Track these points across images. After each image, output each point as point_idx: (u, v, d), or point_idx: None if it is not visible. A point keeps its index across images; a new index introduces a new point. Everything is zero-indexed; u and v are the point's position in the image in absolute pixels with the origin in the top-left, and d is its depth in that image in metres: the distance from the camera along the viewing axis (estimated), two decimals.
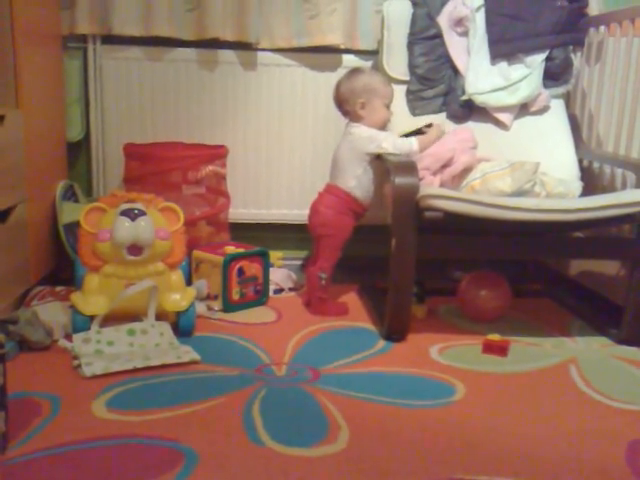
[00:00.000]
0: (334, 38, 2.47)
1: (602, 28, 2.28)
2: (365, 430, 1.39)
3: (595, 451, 1.35)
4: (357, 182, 2.12)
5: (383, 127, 2.17)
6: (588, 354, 1.86)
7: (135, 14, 2.39)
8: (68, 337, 1.76)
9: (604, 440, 1.39)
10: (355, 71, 2.20)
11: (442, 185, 2.06)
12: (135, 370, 1.61)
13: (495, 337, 1.85)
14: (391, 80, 2.27)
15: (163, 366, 1.64)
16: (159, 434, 1.34)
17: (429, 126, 2.17)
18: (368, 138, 2.10)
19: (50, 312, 1.86)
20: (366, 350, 1.83)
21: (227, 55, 2.50)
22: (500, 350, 1.82)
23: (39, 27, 2.14)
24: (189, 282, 2.05)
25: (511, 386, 1.64)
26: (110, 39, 2.44)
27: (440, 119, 2.28)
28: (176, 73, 2.49)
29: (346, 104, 2.17)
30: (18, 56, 1.93)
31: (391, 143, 2.07)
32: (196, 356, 1.70)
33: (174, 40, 2.44)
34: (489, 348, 1.83)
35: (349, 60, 2.51)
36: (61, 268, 2.25)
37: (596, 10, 2.42)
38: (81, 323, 1.77)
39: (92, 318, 1.77)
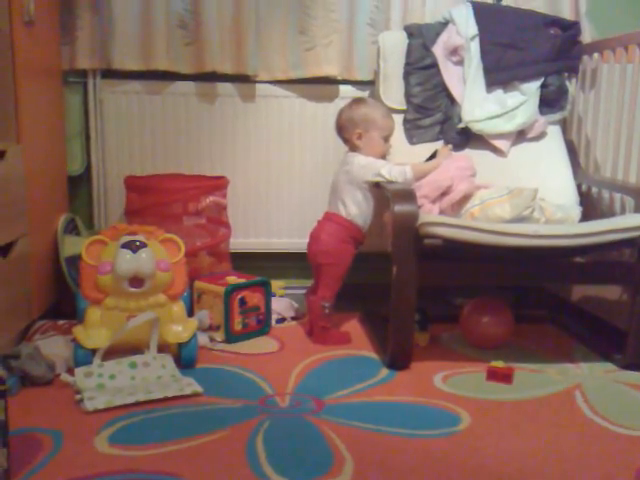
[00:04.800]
0: (331, 69, 2.50)
1: (596, 55, 2.31)
2: (370, 461, 1.37)
3: (602, 478, 1.33)
4: (358, 210, 2.13)
5: (379, 158, 2.18)
6: (593, 380, 1.85)
7: (134, 49, 2.42)
8: (70, 371, 1.74)
9: (612, 467, 1.38)
10: (358, 101, 2.23)
11: (441, 213, 2.07)
12: (137, 404, 1.60)
13: (499, 364, 1.84)
14: (388, 109, 2.30)
15: (165, 399, 1.63)
16: (162, 469, 1.32)
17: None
18: (366, 166, 2.12)
19: (52, 346, 1.85)
20: (369, 379, 1.82)
21: (226, 88, 2.53)
22: (504, 377, 1.81)
23: (40, 62, 2.16)
24: (191, 313, 2.04)
25: (516, 414, 1.63)
26: (110, 73, 2.47)
27: (438, 147, 2.29)
28: (175, 106, 2.52)
29: (345, 132, 2.20)
30: (19, 91, 1.95)
31: (387, 170, 2.09)
32: (198, 388, 1.69)
33: (173, 74, 2.47)
34: (493, 375, 1.82)
35: (346, 91, 2.54)
36: (63, 301, 2.25)
37: (589, 38, 2.46)
38: (83, 357, 1.76)
39: (94, 351, 1.77)
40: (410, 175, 2.08)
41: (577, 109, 2.41)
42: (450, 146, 2.25)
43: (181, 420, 1.55)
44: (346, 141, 2.22)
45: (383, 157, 2.19)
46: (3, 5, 1.85)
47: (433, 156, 2.20)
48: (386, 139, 2.19)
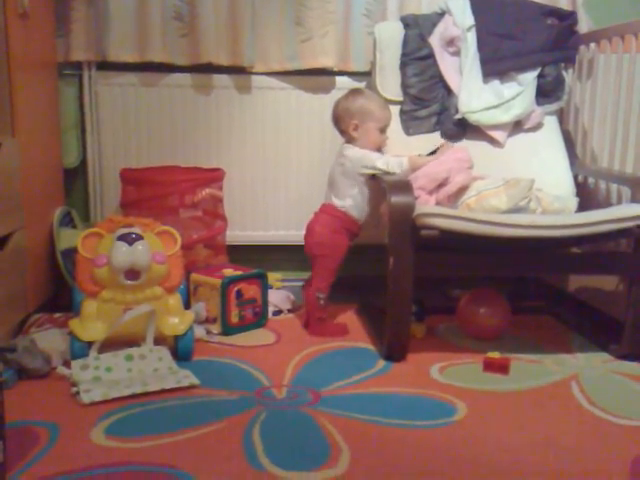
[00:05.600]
0: (327, 61, 2.49)
1: (592, 45, 2.30)
2: (367, 452, 1.38)
3: (599, 468, 1.34)
4: (353, 201, 2.13)
5: (377, 150, 2.17)
6: (589, 370, 1.85)
7: (129, 40, 2.41)
8: (67, 364, 1.74)
9: (607, 456, 1.38)
10: (354, 92, 2.22)
11: (438, 204, 2.07)
12: (134, 396, 1.60)
13: (495, 355, 1.84)
14: (384, 100, 2.29)
15: (162, 391, 1.63)
16: (159, 461, 1.32)
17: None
18: (361, 159, 2.11)
19: (48, 339, 1.85)
20: (366, 371, 1.83)
21: (222, 79, 2.52)
22: (501, 368, 1.81)
23: (34, 55, 2.15)
24: (187, 305, 2.04)
25: (513, 404, 1.63)
26: (105, 65, 2.46)
27: (435, 138, 2.29)
28: (171, 98, 2.51)
29: (341, 123, 2.19)
30: (14, 84, 1.94)
31: (384, 162, 2.08)
32: (195, 380, 1.69)
33: (169, 65, 2.46)
34: (490, 366, 1.82)
35: (342, 82, 2.54)
36: (59, 294, 2.24)
37: (586, 28, 2.46)
38: (79, 349, 1.76)
39: (90, 344, 1.76)
40: (407, 166, 2.07)
41: (574, 99, 2.40)
42: (451, 144, 2.23)
43: (178, 412, 1.55)
44: (342, 132, 2.21)
45: (379, 149, 2.18)
46: None
47: (435, 152, 2.17)
48: (382, 130, 2.18)
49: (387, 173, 2.06)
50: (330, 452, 1.37)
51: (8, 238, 1.87)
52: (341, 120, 2.19)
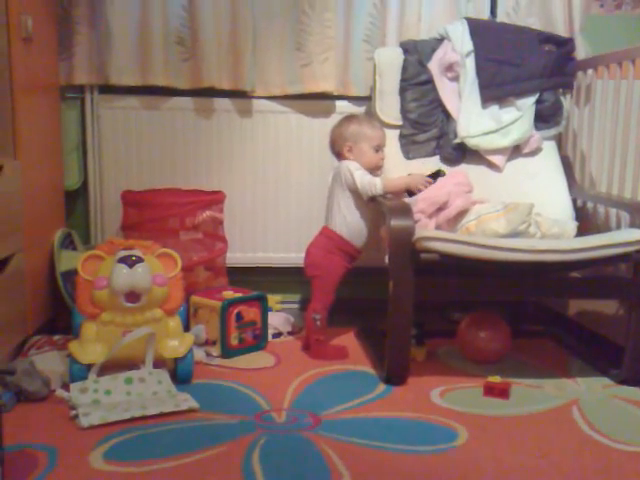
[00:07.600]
0: (327, 85, 2.51)
1: (590, 71, 2.33)
2: (367, 477, 1.37)
3: None
4: (342, 219, 2.15)
5: (374, 169, 2.20)
6: (590, 395, 1.84)
7: (132, 64, 2.43)
8: (66, 387, 1.73)
9: None
10: (347, 118, 2.26)
11: (437, 228, 2.08)
12: (133, 420, 1.59)
13: (496, 379, 1.84)
14: (384, 125, 2.32)
15: (161, 415, 1.62)
16: None
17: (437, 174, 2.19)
18: (346, 168, 2.15)
19: (47, 362, 1.84)
20: (366, 394, 1.82)
21: (223, 103, 2.54)
22: (501, 393, 1.80)
23: (37, 78, 2.17)
24: (187, 328, 2.04)
25: (513, 429, 1.62)
26: (107, 89, 2.48)
27: (434, 162, 2.31)
28: (173, 121, 2.53)
29: (336, 146, 2.24)
30: (16, 106, 1.95)
31: (359, 178, 2.11)
32: (194, 404, 1.68)
33: (170, 89, 2.48)
34: (490, 391, 1.81)
35: (342, 106, 2.56)
36: (59, 316, 2.24)
37: (583, 54, 2.48)
38: (78, 372, 1.75)
39: (90, 367, 1.76)
40: (380, 190, 2.09)
41: (572, 124, 2.43)
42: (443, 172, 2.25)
43: (177, 436, 1.54)
44: (338, 155, 2.25)
45: (376, 167, 2.21)
46: (1, 22, 1.86)
47: (436, 174, 2.19)
48: (377, 149, 2.20)
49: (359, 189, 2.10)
50: (330, 477, 1.36)
51: (8, 260, 1.87)
52: (336, 144, 2.23)
